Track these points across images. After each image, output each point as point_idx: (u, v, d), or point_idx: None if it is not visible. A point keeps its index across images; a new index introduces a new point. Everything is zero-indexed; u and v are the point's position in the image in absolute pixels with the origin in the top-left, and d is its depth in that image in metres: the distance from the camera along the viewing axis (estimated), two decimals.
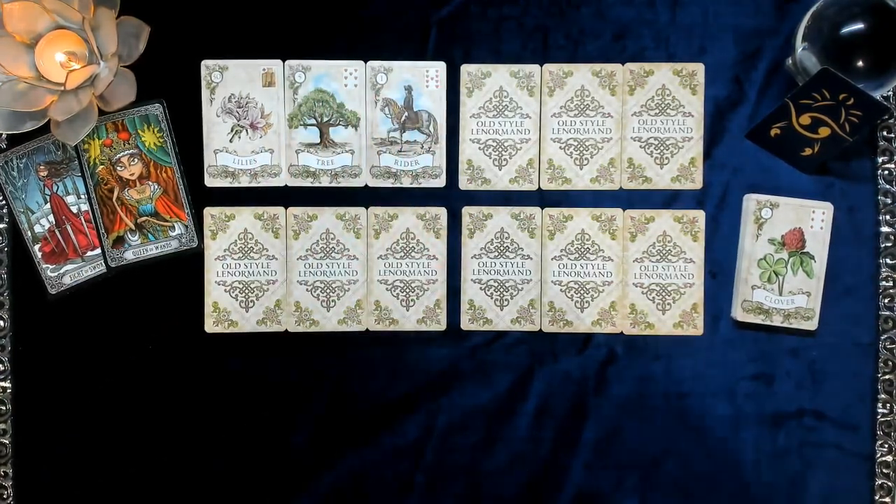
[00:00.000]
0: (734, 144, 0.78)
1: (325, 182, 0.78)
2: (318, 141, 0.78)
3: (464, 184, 0.79)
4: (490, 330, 0.78)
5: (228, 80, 0.78)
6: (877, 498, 0.77)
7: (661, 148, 0.78)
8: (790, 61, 0.75)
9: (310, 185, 0.78)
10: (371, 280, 0.78)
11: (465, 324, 0.78)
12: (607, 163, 0.78)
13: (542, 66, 0.78)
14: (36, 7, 0.72)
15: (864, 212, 0.78)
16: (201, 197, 0.78)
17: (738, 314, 0.77)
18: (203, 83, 0.78)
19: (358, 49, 0.78)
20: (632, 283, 0.78)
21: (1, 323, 0.78)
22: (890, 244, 0.77)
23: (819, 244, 0.76)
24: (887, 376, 0.77)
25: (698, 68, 0.78)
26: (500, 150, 0.78)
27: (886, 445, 0.77)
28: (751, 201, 0.77)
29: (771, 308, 0.76)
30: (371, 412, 0.78)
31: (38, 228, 0.78)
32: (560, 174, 0.78)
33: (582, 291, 0.78)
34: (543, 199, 0.79)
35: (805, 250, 0.76)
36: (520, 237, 0.78)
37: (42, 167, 0.78)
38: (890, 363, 0.77)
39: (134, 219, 0.78)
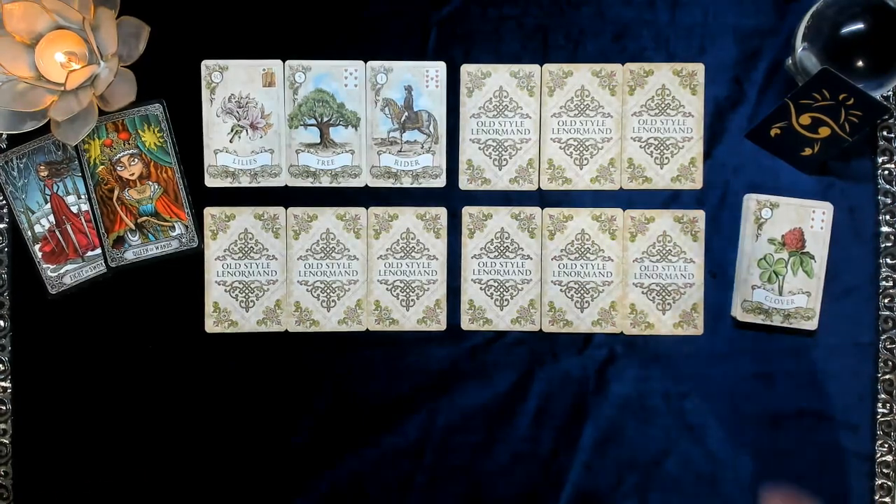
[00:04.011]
0: (734, 144, 0.78)
1: (325, 182, 0.78)
2: (318, 141, 0.78)
3: (464, 184, 0.79)
4: (490, 330, 0.78)
5: (228, 80, 0.78)
6: (877, 498, 0.77)
7: (661, 148, 0.78)
8: (790, 61, 0.75)
9: (310, 185, 0.78)
10: (371, 280, 0.78)
11: (465, 324, 0.78)
12: (607, 163, 0.78)
13: (542, 66, 0.78)
14: (36, 7, 0.72)
15: (864, 212, 0.78)
16: (201, 197, 0.78)
17: (738, 314, 0.77)
18: (203, 83, 0.78)
19: (358, 49, 0.78)
20: (632, 283, 0.78)
21: (1, 323, 0.78)
22: (890, 244, 0.77)
23: (819, 244, 0.76)
24: (887, 376, 0.77)
25: (698, 68, 0.78)
26: (500, 150, 0.79)
27: (886, 445, 0.77)
28: (751, 201, 0.77)
29: (771, 308, 0.76)
30: (371, 412, 0.78)
31: (38, 228, 0.78)
32: (560, 174, 0.78)
33: (582, 291, 0.78)
34: (543, 199, 0.79)
35: (805, 250, 0.76)
36: (520, 237, 0.78)
37: (42, 167, 0.78)
38: (890, 363, 0.77)
39: (134, 219, 0.78)
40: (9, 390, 0.78)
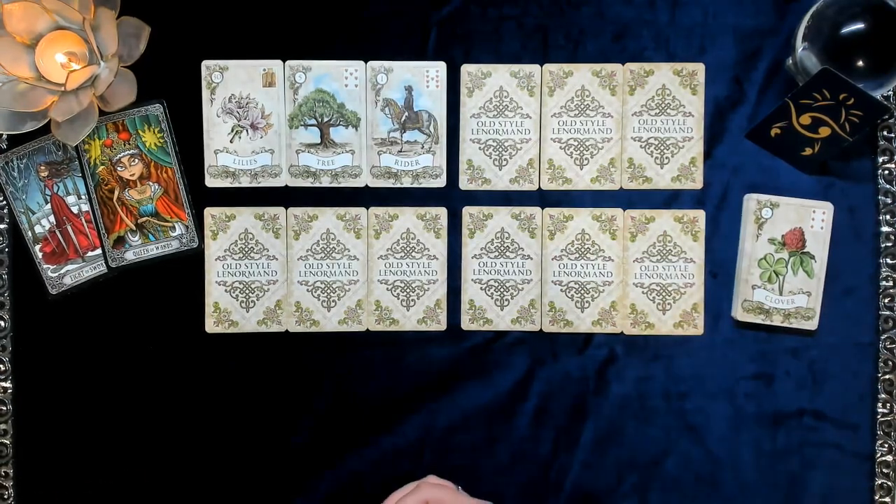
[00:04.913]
0: (734, 144, 0.78)
1: (325, 182, 0.78)
2: (318, 141, 0.78)
3: (464, 184, 0.79)
4: (490, 330, 0.78)
5: (229, 81, 0.78)
6: (877, 498, 0.77)
7: (662, 148, 0.78)
8: (790, 61, 0.75)
9: (310, 185, 0.78)
10: (371, 280, 0.78)
11: (466, 324, 0.78)
12: (607, 163, 0.78)
13: (542, 66, 0.78)
14: (36, 7, 0.72)
15: (864, 212, 0.78)
16: (202, 197, 0.78)
17: (739, 314, 0.77)
18: (203, 83, 0.78)
19: (358, 49, 0.78)
20: (632, 283, 0.78)
21: (1, 323, 0.78)
22: (890, 244, 0.77)
23: (819, 244, 0.76)
24: (887, 376, 0.77)
25: (698, 68, 0.78)
26: (500, 150, 0.79)
27: (886, 445, 0.77)
28: (751, 201, 0.77)
29: (771, 308, 0.76)
30: (371, 412, 0.78)
31: (38, 229, 0.78)
32: (560, 174, 0.78)
33: (582, 291, 0.78)
34: (543, 199, 0.79)
35: (805, 250, 0.76)
36: (520, 237, 0.78)
37: (42, 167, 0.78)
38: (890, 363, 0.77)
39: (134, 219, 0.78)
40: (9, 391, 0.78)
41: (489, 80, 0.78)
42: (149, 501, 0.78)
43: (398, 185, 0.78)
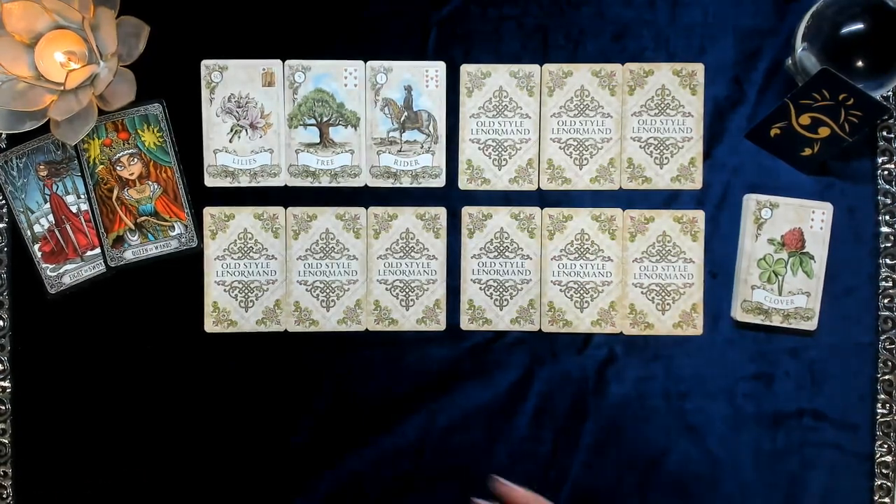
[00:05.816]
0: (734, 144, 0.78)
1: (324, 182, 0.78)
2: (317, 141, 0.78)
3: (464, 184, 0.79)
4: (490, 330, 0.78)
5: (228, 80, 0.78)
6: (876, 498, 0.77)
7: (661, 148, 0.78)
8: (790, 61, 0.75)
9: (309, 184, 0.78)
10: (371, 280, 0.78)
11: (465, 324, 0.78)
12: (607, 163, 0.78)
13: (541, 66, 0.78)
14: (36, 7, 0.72)
15: (864, 212, 0.78)
16: (201, 197, 0.78)
17: (738, 314, 0.77)
18: (203, 83, 0.78)
19: (358, 49, 0.78)
20: (631, 283, 0.78)
21: (1, 323, 0.78)
22: (890, 244, 0.77)
23: (819, 244, 0.76)
24: (887, 376, 0.77)
25: (698, 68, 0.78)
26: (499, 150, 0.78)
27: (886, 445, 0.77)
28: (751, 201, 0.77)
29: (770, 308, 0.76)
30: (371, 412, 0.78)
31: (37, 228, 0.78)
32: (560, 174, 0.78)
33: (582, 291, 0.78)
34: (543, 199, 0.79)
35: (805, 250, 0.76)
36: (519, 237, 0.78)
37: (42, 167, 0.78)
38: (890, 363, 0.77)
39: (134, 218, 0.78)
40: (8, 390, 0.78)
41: (489, 80, 0.78)
42: (149, 501, 0.78)
43: (397, 185, 0.78)
